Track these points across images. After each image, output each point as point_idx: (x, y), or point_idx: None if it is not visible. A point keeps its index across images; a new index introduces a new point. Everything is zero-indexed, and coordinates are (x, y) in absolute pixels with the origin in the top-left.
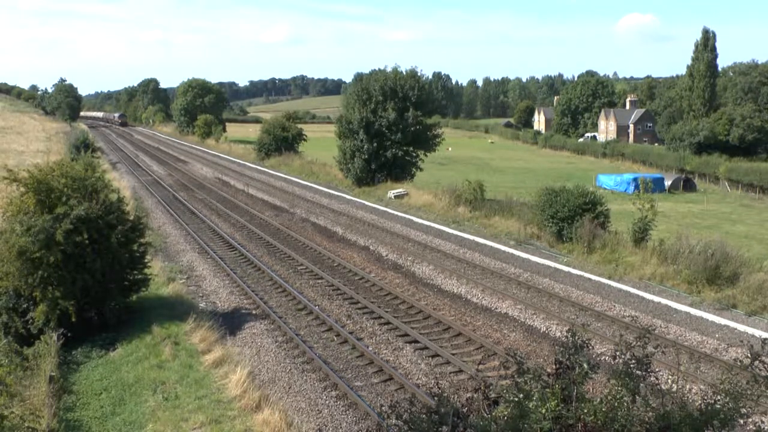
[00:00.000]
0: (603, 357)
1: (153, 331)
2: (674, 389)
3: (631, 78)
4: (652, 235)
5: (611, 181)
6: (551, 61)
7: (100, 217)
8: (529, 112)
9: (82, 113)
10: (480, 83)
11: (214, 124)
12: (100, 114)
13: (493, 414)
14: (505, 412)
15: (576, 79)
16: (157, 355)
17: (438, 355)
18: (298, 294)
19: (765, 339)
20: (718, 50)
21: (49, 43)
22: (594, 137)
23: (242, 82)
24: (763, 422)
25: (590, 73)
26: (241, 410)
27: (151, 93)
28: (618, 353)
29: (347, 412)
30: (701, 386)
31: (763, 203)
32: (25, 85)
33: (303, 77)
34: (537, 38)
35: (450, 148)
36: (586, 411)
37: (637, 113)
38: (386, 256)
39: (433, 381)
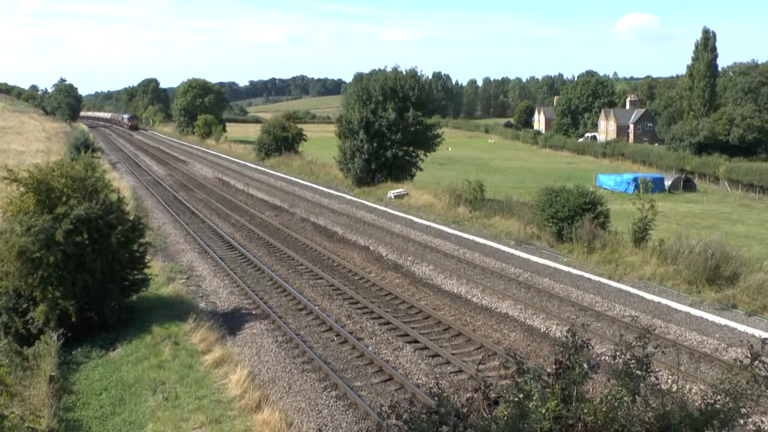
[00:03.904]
0: (603, 357)
1: (153, 331)
2: (674, 389)
3: (631, 78)
4: (652, 235)
5: (611, 181)
6: (551, 61)
7: (100, 217)
8: (529, 112)
9: (86, 113)
10: (480, 83)
11: (214, 124)
12: (107, 114)
13: (493, 414)
14: (505, 412)
15: (576, 79)
16: (157, 355)
17: (438, 355)
18: (298, 294)
19: (765, 339)
20: (718, 50)
21: (49, 43)
22: (594, 137)
23: (242, 82)
24: (763, 422)
25: (590, 73)
26: (241, 410)
27: (151, 93)
28: (618, 353)
29: (347, 412)
30: (701, 386)
31: (763, 203)
32: (25, 85)
33: (303, 77)
34: (537, 38)
35: (450, 148)
36: (586, 411)
37: (637, 113)
38: (386, 256)
39: (433, 381)
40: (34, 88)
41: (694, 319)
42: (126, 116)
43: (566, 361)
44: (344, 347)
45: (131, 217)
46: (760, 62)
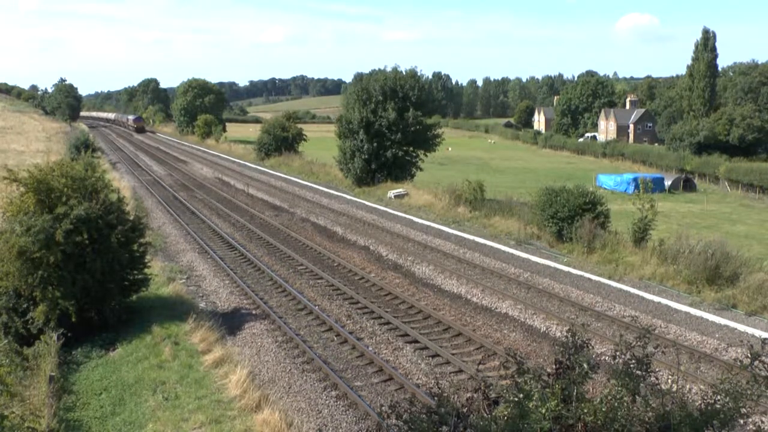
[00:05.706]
0: (603, 357)
1: (153, 331)
2: (674, 389)
3: (631, 78)
4: (652, 235)
5: (611, 181)
6: (551, 61)
7: (100, 217)
8: (529, 112)
9: (87, 114)
10: (480, 83)
11: (214, 124)
12: (110, 115)
13: (493, 414)
14: (505, 412)
15: (576, 79)
16: (157, 355)
17: (438, 355)
18: (298, 294)
19: (765, 339)
20: (718, 50)
21: (49, 43)
22: (594, 137)
23: (242, 82)
24: (763, 422)
25: (590, 73)
26: (241, 410)
27: (151, 93)
28: (618, 353)
29: (347, 412)
30: (701, 386)
31: (763, 203)
32: (25, 85)
33: (303, 77)
34: (537, 38)
35: (450, 148)
36: (586, 411)
37: (637, 113)
38: (386, 256)
39: (433, 381)
40: (34, 88)
41: (694, 319)
42: (131, 117)
43: (566, 361)
44: (344, 347)
45: (131, 217)
46: (760, 62)
